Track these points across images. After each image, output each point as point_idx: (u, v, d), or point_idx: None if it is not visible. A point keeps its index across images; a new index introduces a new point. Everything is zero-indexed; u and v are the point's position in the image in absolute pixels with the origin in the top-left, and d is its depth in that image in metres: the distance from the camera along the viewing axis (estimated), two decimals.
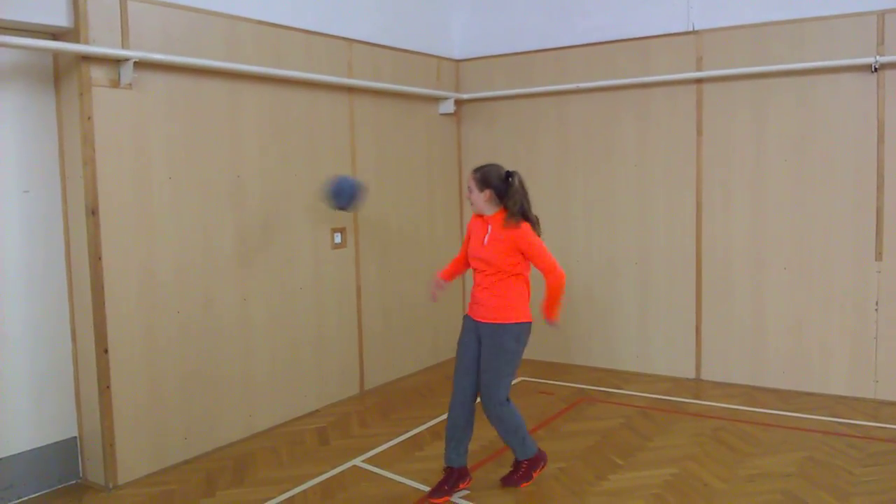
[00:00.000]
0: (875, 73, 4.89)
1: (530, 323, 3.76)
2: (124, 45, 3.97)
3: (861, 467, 3.98)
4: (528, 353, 3.91)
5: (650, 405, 5.17)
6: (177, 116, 4.27)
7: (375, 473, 4.13)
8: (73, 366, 4.08)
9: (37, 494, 3.95)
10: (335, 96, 5.32)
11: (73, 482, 4.10)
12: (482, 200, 3.73)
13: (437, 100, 6.32)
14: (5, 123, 3.80)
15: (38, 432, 3.96)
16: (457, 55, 6.58)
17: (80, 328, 4.02)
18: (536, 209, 3.80)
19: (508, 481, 3.89)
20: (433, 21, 6.41)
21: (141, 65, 4.01)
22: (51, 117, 3.97)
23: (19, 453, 3.89)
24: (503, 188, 3.70)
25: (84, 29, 3.80)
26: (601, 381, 5.71)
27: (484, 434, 4.66)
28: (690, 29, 5.53)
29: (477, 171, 3.77)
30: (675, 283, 5.71)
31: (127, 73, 3.94)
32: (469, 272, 4.00)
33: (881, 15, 4.85)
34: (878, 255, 4.99)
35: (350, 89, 5.42)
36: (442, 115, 6.39)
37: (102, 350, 3.94)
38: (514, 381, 5.58)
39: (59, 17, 3.77)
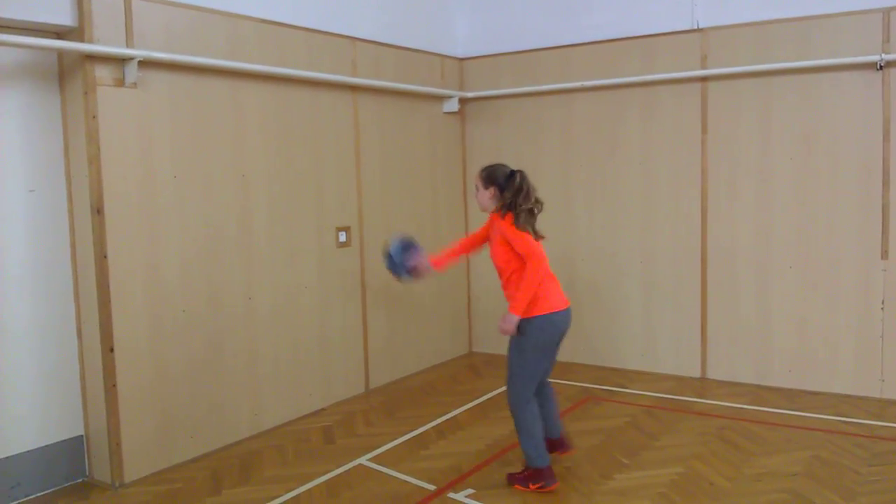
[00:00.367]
0: (880, 71, 4.87)
1: (543, 315, 3.72)
2: (128, 44, 3.97)
3: (867, 466, 3.97)
4: None
5: (656, 404, 5.16)
6: (181, 115, 4.27)
7: (381, 472, 4.13)
8: (78, 364, 4.09)
9: (43, 493, 3.96)
10: (339, 95, 5.31)
11: (80, 480, 4.11)
12: (487, 198, 3.84)
13: (440, 98, 6.31)
14: (10, 123, 3.80)
15: (44, 431, 3.97)
16: (461, 53, 6.57)
17: (85, 327, 4.03)
18: None
19: (511, 478, 3.91)
20: (437, 19, 6.41)
21: (145, 64, 4.01)
22: (56, 116, 3.98)
23: (25, 452, 3.89)
24: (506, 185, 3.77)
25: (88, 28, 3.80)
26: (606, 381, 5.70)
27: (488, 433, 4.67)
28: (695, 27, 5.52)
29: (483, 170, 3.88)
30: (681, 282, 5.70)
31: (131, 71, 3.94)
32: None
33: (887, 12, 4.83)
34: (884, 254, 4.98)
35: (353, 88, 5.42)
36: (446, 113, 6.39)
37: (108, 348, 3.94)
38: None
39: (64, 17, 3.77)
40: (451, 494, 3.82)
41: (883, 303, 5.00)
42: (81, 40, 3.80)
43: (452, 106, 6.35)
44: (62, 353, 4.03)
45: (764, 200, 5.34)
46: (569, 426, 4.63)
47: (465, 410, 5.13)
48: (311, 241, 5.12)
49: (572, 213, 6.11)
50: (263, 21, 4.74)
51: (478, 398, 5.37)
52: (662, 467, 4.06)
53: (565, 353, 6.25)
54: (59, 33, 3.85)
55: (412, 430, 4.76)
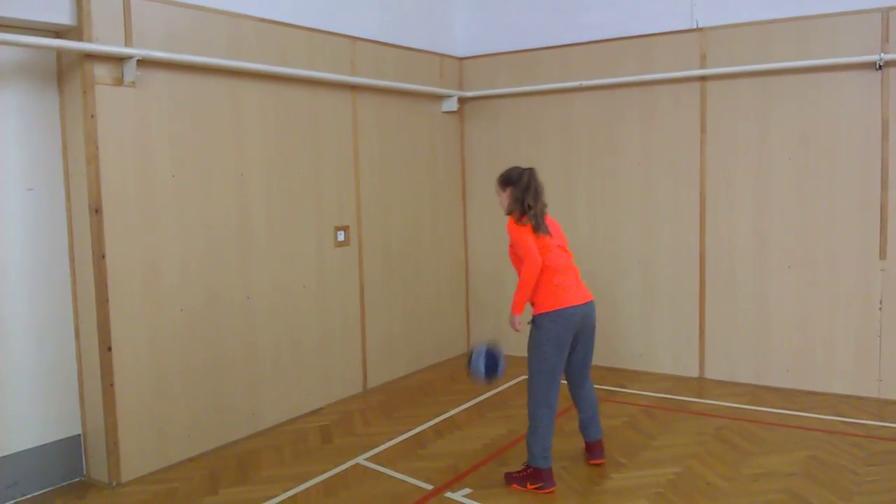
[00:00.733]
0: (879, 71, 4.87)
1: (556, 310, 3.73)
2: (127, 43, 3.97)
3: (865, 466, 3.97)
4: None
5: (653, 404, 5.16)
6: (180, 114, 4.27)
7: (378, 471, 4.13)
8: (76, 363, 4.09)
9: (41, 492, 3.95)
10: (338, 94, 5.31)
11: (77, 479, 4.10)
12: (506, 200, 3.89)
13: (440, 98, 6.31)
14: (9, 121, 3.80)
15: (41, 430, 3.97)
16: (460, 53, 6.57)
17: (83, 326, 4.03)
18: None
19: (508, 476, 3.91)
20: (436, 19, 6.41)
21: (144, 63, 4.01)
22: (54, 115, 3.97)
23: (23, 451, 3.89)
24: (516, 183, 3.84)
25: (87, 27, 3.80)
26: (604, 380, 5.70)
27: (485, 433, 4.67)
28: (694, 26, 5.52)
29: (501, 175, 3.94)
30: (679, 282, 5.70)
31: (130, 70, 3.94)
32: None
33: (886, 12, 4.83)
34: (882, 254, 4.98)
35: (353, 87, 5.42)
36: (445, 112, 6.39)
37: (106, 348, 3.94)
38: (520, 381, 5.59)
39: (63, 16, 3.77)
40: (449, 494, 3.81)
41: (881, 302, 5.00)
42: (80, 39, 3.80)
43: (452, 105, 6.34)
44: (60, 352, 4.03)
45: (762, 200, 5.34)
46: (568, 426, 4.63)
47: (463, 410, 5.13)
48: (310, 240, 5.12)
49: (571, 213, 6.10)
50: (263, 20, 4.74)
51: (475, 398, 5.37)
52: (660, 467, 4.06)
53: None
54: (57, 32, 3.85)
55: (410, 430, 4.76)
